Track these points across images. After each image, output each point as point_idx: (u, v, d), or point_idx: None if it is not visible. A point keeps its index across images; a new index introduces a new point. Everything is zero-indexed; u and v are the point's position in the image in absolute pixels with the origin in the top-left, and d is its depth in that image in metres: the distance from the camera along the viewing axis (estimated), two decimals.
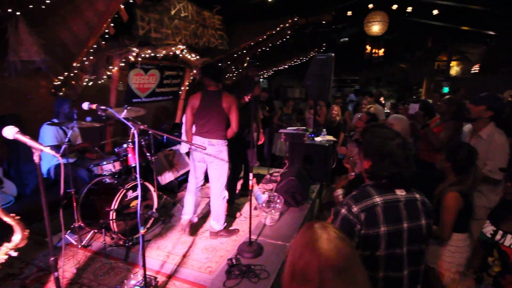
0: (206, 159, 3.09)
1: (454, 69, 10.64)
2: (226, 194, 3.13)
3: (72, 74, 3.93)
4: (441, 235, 2.06)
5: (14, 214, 1.03)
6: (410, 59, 11.30)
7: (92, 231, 3.13)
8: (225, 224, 3.23)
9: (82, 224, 3.05)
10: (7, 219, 1.00)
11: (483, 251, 1.84)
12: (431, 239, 2.01)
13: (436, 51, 10.80)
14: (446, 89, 10.46)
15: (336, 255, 0.87)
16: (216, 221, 3.17)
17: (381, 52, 9.60)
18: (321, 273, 0.85)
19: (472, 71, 9.53)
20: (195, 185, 3.26)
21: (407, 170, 1.33)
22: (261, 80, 11.94)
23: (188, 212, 3.26)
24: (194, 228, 3.41)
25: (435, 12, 6.31)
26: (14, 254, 1.00)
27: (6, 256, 0.97)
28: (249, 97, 3.57)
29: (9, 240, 1.01)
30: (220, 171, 3.08)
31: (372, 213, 1.30)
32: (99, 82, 4.33)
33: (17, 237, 1.00)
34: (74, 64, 3.80)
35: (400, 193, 1.36)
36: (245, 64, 3.70)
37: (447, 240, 2.07)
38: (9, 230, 1.03)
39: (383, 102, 6.08)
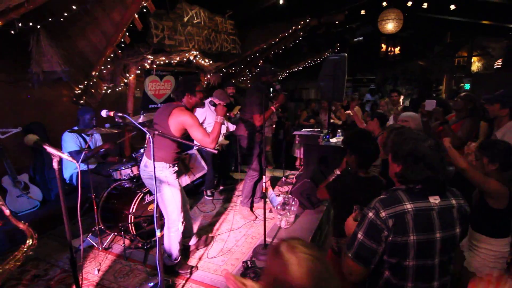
0: (146, 182, 2.69)
1: (476, 65, 10.24)
2: (178, 226, 2.62)
3: (91, 83, 4.10)
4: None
5: (23, 222, 1.23)
6: (428, 56, 10.98)
7: (112, 234, 3.23)
8: (179, 258, 2.72)
9: (102, 227, 3.16)
10: (20, 226, 1.17)
11: None
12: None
13: (456, 47, 10.44)
14: (467, 86, 10.10)
15: (309, 278, 0.88)
16: (166, 255, 2.69)
17: (397, 50, 9.39)
18: None
19: (495, 67, 9.16)
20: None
21: (442, 174, 1.26)
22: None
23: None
24: (210, 231, 3.46)
25: (452, 7, 6.11)
26: (30, 253, 1.15)
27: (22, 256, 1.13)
28: (276, 105, 3.39)
29: (24, 243, 1.16)
30: (161, 199, 2.53)
31: (401, 220, 1.23)
32: (117, 89, 4.48)
33: (29, 241, 1.16)
34: (93, 73, 3.95)
35: (434, 200, 1.27)
36: (258, 70, 3.51)
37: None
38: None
39: (400, 100, 5.87)
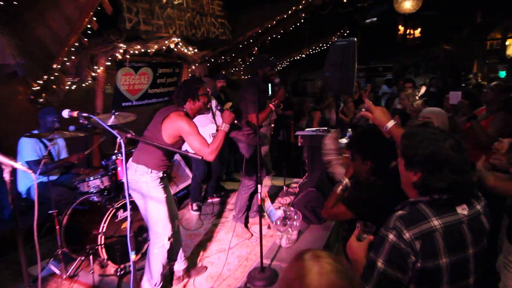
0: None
1: (511, 48, 10.38)
2: (164, 242, 2.64)
3: (52, 77, 4.08)
4: None
5: None
6: (455, 39, 11.07)
7: (79, 259, 3.21)
8: (160, 284, 2.74)
9: (67, 251, 3.14)
10: None
11: None
12: None
13: (487, 28, 10.56)
14: (502, 74, 10.21)
15: None
16: (146, 278, 2.72)
17: (417, 32, 9.47)
18: None
19: None
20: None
21: (469, 178, 1.25)
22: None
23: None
24: (196, 253, 3.46)
25: None
26: None
27: None
28: (275, 103, 3.43)
29: None
30: (142, 208, 2.67)
31: (430, 240, 1.20)
32: (84, 85, 4.47)
33: None
34: (54, 66, 3.94)
35: (462, 211, 1.26)
36: (252, 60, 3.57)
37: None
38: None
39: (418, 93, 5.88)
